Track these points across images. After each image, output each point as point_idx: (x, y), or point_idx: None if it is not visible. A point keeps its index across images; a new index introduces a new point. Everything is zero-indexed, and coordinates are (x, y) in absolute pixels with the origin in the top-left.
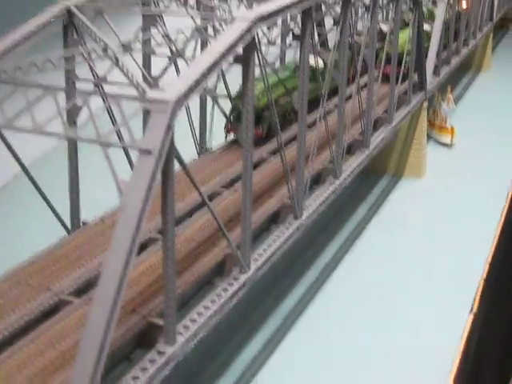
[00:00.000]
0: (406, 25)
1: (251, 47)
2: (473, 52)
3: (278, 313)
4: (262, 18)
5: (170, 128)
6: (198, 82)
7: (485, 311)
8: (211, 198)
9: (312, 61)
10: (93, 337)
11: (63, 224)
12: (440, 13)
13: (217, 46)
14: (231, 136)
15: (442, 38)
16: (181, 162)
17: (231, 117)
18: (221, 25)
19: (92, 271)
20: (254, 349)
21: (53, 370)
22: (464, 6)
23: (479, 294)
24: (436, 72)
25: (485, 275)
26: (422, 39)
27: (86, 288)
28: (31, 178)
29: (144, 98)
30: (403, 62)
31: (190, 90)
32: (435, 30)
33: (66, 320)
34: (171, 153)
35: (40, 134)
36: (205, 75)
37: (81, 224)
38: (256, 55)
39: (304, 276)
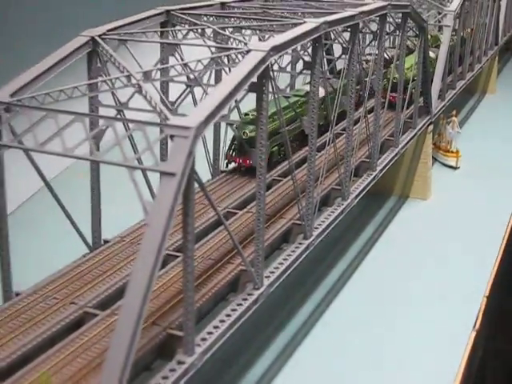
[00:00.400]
0: (410, 52)
1: (265, 76)
2: (478, 75)
3: (288, 327)
4: (276, 49)
5: (191, 153)
6: (217, 110)
7: (487, 328)
8: (225, 217)
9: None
10: (120, 342)
11: (85, 242)
12: (445, 38)
13: (234, 76)
14: (231, 165)
15: (447, 63)
16: (200, 184)
17: (232, 146)
18: (236, 55)
19: (114, 286)
20: (266, 361)
21: (81, 378)
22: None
23: (482, 311)
24: (441, 96)
25: (487, 293)
26: (427, 64)
27: (109, 302)
28: (56, 197)
29: (167, 124)
30: (409, 87)
31: (210, 117)
32: (440, 54)
33: (91, 332)
34: (192, 175)
35: (70, 157)
36: (223, 103)
37: (102, 242)
38: (270, 83)
39: (313, 293)
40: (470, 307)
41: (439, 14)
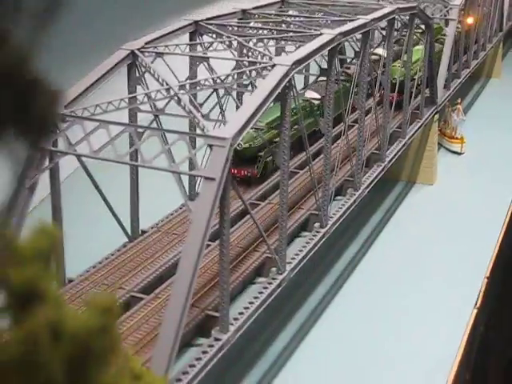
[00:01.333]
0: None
1: (289, 86)
2: (483, 61)
3: (306, 305)
4: (298, 62)
5: (228, 160)
6: (249, 121)
7: (488, 307)
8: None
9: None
10: (171, 321)
11: (126, 232)
12: (451, 31)
13: (262, 89)
14: None
15: (452, 54)
16: (233, 185)
17: None
18: (261, 69)
19: (155, 272)
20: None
21: (133, 354)
22: (470, 21)
23: (483, 290)
24: (447, 86)
25: (488, 274)
26: (433, 58)
27: (151, 286)
28: (100, 191)
29: (207, 135)
30: (416, 79)
31: (243, 128)
32: (446, 46)
33: (138, 313)
34: (228, 179)
35: (122, 163)
36: (254, 114)
37: (139, 232)
38: (292, 93)
39: (327, 275)
40: (472, 287)
41: (445, 7)
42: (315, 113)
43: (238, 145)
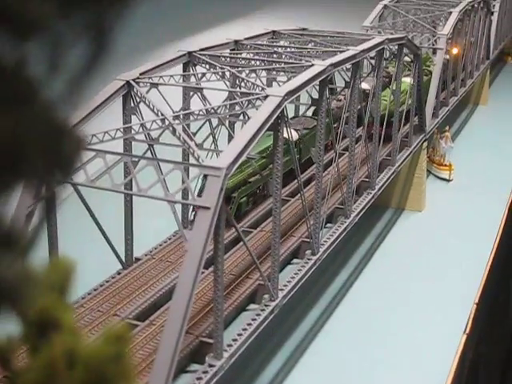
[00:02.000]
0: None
1: (281, 117)
2: (470, 88)
3: (298, 331)
4: (290, 93)
5: (222, 189)
6: (243, 151)
7: (477, 333)
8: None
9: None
10: (167, 348)
11: (120, 260)
12: (438, 60)
13: (255, 120)
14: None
15: (440, 82)
16: (228, 214)
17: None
18: (254, 100)
19: (150, 299)
20: (278, 361)
21: None
22: (455, 51)
23: (472, 316)
24: (435, 114)
25: (477, 300)
26: (421, 87)
27: (146, 313)
28: (95, 219)
29: (202, 165)
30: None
31: (237, 158)
32: (434, 75)
33: (133, 340)
34: (222, 207)
35: (118, 192)
36: (247, 145)
37: (133, 259)
38: (284, 122)
39: (318, 301)
40: (462, 313)
41: (433, 36)
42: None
43: None
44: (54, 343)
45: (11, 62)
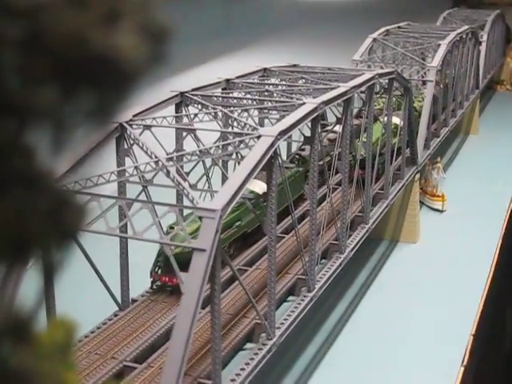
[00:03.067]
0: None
1: (274, 156)
2: (461, 118)
3: (296, 366)
4: (283, 133)
5: (217, 231)
6: (237, 193)
7: (475, 365)
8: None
9: (255, 188)
10: (169, 382)
11: (116, 302)
12: (428, 92)
13: (249, 161)
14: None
15: (431, 114)
16: (224, 256)
17: (157, 264)
18: (248, 140)
19: (147, 341)
20: None
21: None
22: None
23: (469, 348)
24: (426, 145)
25: (474, 332)
26: (412, 120)
27: (144, 355)
28: (91, 262)
29: (197, 207)
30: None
31: (232, 200)
32: (425, 107)
33: (132, 383)
34: (218, 249)
35: (114, 235)
36: (241, 186)
37: (130, 301)
38: (277, 161)
39: (315, 336)
40: (459, 345)
41: (422, 69)
42: (258, 206)
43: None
44: None
45: (15, 146)
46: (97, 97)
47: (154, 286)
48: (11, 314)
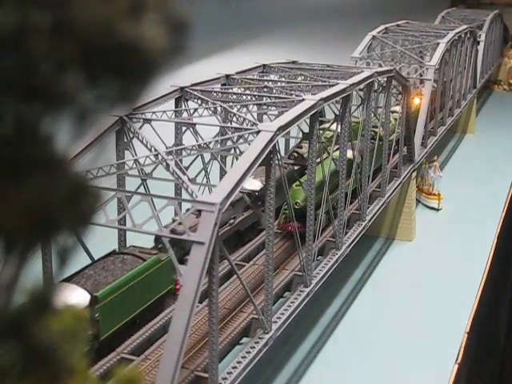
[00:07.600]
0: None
1: (273, 151)
2: (458, 117)
3: (291, 361)
4: (282, 128)
5: (216, 224)
6: (236, 186)
7: (469, 362)
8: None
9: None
10: (166, 373)
11: None
12: (427, 91)
13: (248, 155)
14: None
15: (428, 113)
16: (221, 248)
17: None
18: (248, 135)
19: (144, 334)
20: None
21: None
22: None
23: (463, 346)
24: (423, 143)
25: (468, 329)
26: (410, 119)
27: (141, 348)
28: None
29: (196, 200)
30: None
31: (231, 193)
32: (422, 106)
33: None
34: (216, 242)
35: (112, 227)
36: (241, 180)
37: None
38: (276, 156)
39: (311, 331)
40: (453, 342)
41: (420, 67)
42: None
43: None
44: None
45: (37, 131)
46: (120, 84)
47: None
48: (36, 289)
